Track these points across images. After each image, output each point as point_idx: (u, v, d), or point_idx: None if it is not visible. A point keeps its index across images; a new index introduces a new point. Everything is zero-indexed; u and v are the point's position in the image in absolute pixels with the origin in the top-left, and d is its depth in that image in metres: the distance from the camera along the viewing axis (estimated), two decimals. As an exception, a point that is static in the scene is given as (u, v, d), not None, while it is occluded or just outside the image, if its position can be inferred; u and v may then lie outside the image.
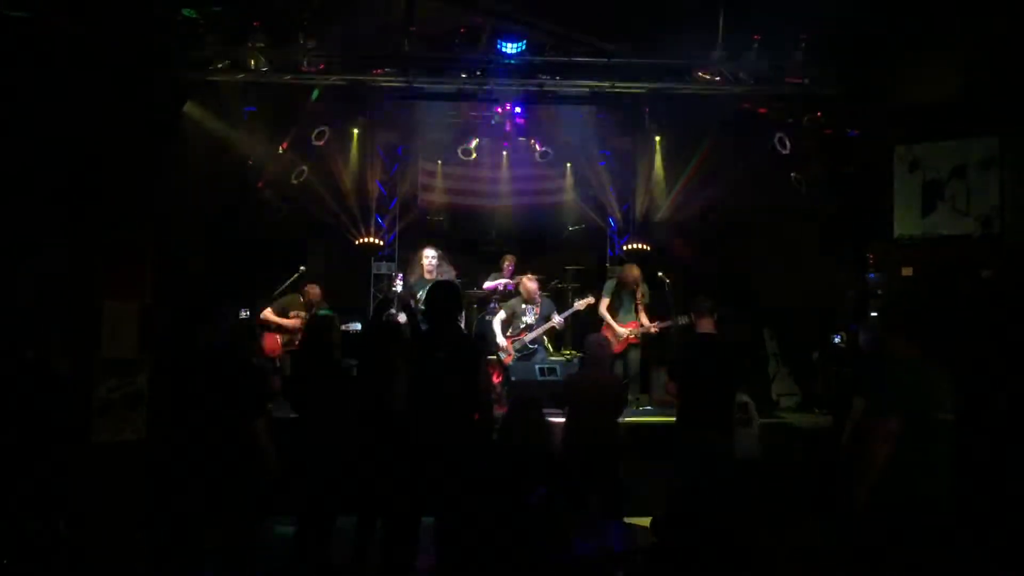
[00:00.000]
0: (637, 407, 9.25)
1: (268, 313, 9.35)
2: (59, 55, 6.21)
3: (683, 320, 8.80)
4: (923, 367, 4.35)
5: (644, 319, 9.45)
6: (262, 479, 5.28)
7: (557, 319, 9.40)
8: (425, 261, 9.74)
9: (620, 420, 6.89)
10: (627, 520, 6.00)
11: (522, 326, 9.51)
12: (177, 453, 4.83)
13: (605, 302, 9.57)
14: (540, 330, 9.44)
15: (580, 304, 9.49)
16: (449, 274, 9.83)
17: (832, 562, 4.30)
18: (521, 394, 5.53)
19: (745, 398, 6.81)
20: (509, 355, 9.38)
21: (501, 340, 9.41)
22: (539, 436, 5.13)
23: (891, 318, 4.84)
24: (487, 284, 10.53)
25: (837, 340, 9.61)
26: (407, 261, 10.63)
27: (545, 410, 5.39)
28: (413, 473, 4.97)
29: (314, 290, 9.58)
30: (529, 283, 9.55)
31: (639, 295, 9.53)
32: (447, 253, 10.31)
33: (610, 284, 9.74)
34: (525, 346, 9.46)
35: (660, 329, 9.39)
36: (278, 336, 9.44)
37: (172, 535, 5.02)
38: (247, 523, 5.45)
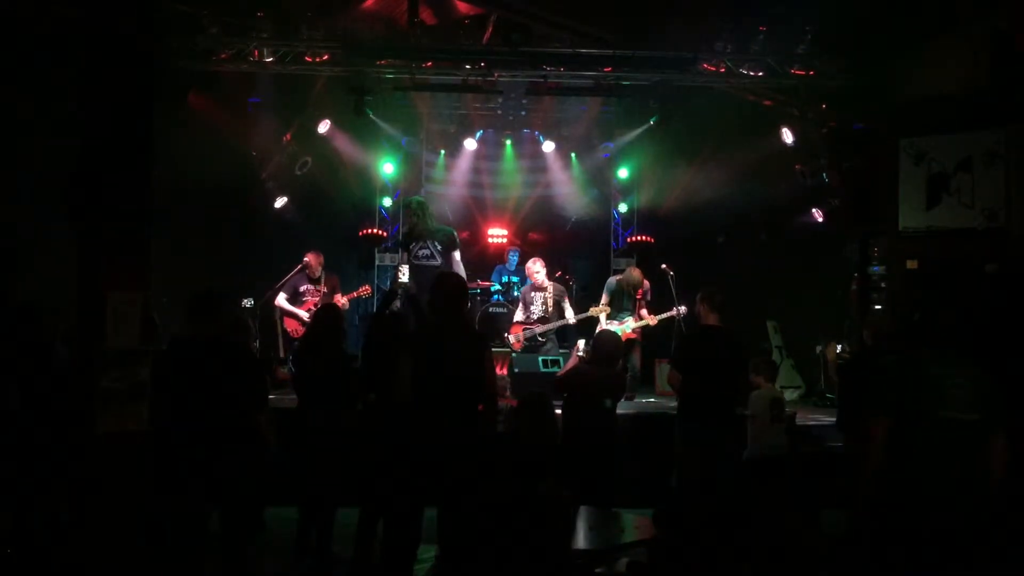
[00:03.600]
0: (639, 398, 9.25)
1: (281, 300, 9.32)
2: (60, 45, 6.21)
3: (682, 309, 8.76)
4: (924, 364, 4.25)
5: (644, 313, 9.32)
6: (263, 470, 5.28)
7: (570, 316, 9.28)
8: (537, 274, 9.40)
9: (620, 411, 6.87)
10: (629, 512, 6.01)
11: (534, 317, 9.45)
12: (178, 444, 4.83)
13: (604, 299, 9.31)
14: (553, 325, 9.32)
15: (595, 310, 9.26)
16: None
17: (834, 558, 4.28)
18: (533, 390, 5.51)
19: (779, 395, 6.78)
20: (518, 343, 9.31)
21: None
22: (550, 433, 5.12)
23: (900, 319, 4.72)
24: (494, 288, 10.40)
25: (819, 350, 9.64)
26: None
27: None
28: (416, 464, 4.97)
29: (313, 259, 9.37)
30: (531, 265, 9.43)
31: (640, 293, 9.37)
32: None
33: (611, 282, 9.49)
34: (535, 337, 9.34)
35: (659, 321, 9.26)
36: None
37: (174, 525, 5.03)
38: (249, 515, 5.46)
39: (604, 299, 9.30)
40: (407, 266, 8.31)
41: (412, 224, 8.36)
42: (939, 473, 4.05)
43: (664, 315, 9.12)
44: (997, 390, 4.18)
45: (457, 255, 8.23)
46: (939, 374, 4.13)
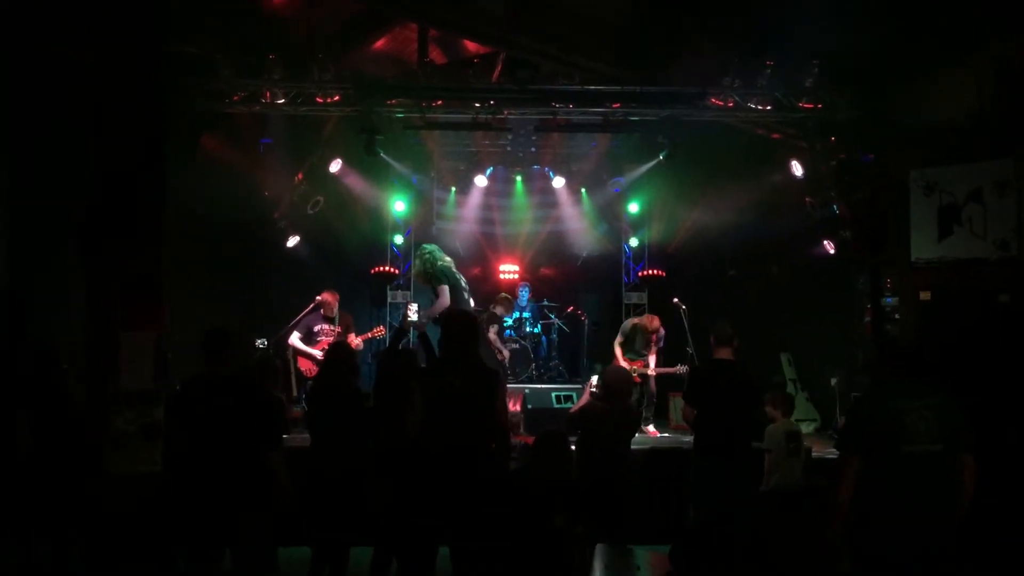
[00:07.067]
0: (654, 428, 9.23)
1: (295, 340, 9.29)
2: (76, 89, 6.30)
3: (682, 370, 8.90)
4: (883, 400, 4.23)
5: (651, 360, 9.40)
6: (277, 510, 5.26)
7: None
8: None
9: (634, 447, 6.83)
10: (645, 549, 5.95)
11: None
12: (190, 483, 4.83)
13: (620, 339, 9.47)
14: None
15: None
16: None
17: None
18: (549, 428, 5.48)
19: (795, 428, 6.73)
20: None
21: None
22: (565, 470, 5.09)
23: (879, 348, 4.66)
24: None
25: (834, 383, 9.55)
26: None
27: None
28: (429, 503, 4.94)
29: (328, 298, 9.31)
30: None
31: (654, 339, 9.38)
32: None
33: (627, 324, 9.60)
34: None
35: (660, 373, 9.37)
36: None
37: (187, 566, 5.01)
38: (262, 554, 5.43)
39: (619, 339, 9.42)
40: (416, 304, 8.30)
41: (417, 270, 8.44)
42: (908, 509, 4.01)
43: (665, 369, 9.40)
44: (962, 417, 4.16)
45: (441, 288, 8.01)
46: (899, 408, 4.10)
